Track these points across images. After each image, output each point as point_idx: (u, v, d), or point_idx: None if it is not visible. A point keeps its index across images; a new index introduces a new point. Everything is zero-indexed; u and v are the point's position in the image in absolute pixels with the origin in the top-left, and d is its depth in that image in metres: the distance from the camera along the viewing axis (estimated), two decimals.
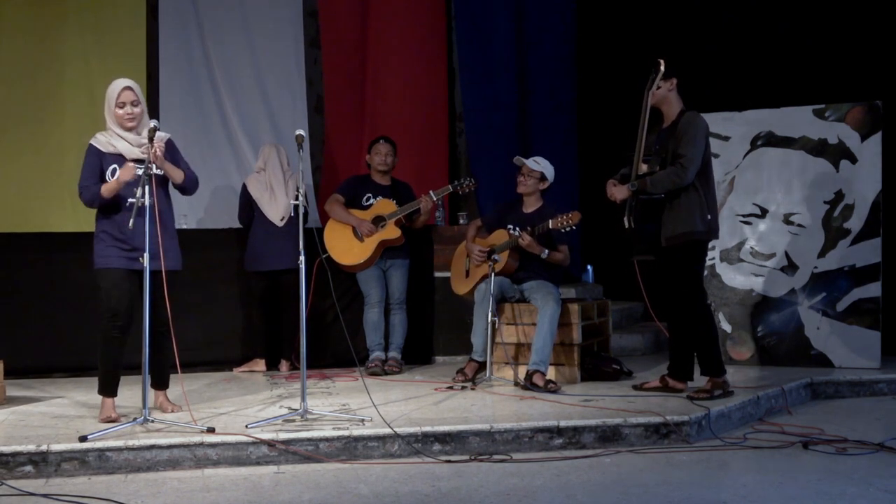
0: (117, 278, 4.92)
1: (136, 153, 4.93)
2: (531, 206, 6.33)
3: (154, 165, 4.83)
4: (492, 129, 8.17)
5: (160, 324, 4.99)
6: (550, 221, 5.96)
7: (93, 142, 5.00)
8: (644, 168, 5.55)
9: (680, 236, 5.46)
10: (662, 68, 5.47)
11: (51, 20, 7.18)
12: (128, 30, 7.34)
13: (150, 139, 4.83)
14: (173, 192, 5.17)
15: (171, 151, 5.10)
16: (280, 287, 6.85)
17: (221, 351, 6.91)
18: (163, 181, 5.03)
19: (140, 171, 4.78)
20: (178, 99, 7.64)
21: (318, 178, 8.04)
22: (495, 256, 6.15)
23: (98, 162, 4.95)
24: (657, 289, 5.81)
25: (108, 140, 4.97)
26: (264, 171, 6.91)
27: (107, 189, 4.86)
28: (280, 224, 6.79)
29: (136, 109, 4.95)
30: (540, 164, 6.28)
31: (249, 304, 6.98)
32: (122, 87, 4.94)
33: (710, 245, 5.84)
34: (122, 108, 4.92)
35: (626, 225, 5.56)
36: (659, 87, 5.50)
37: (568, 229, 5.94)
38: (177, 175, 5.00)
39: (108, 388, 5.02)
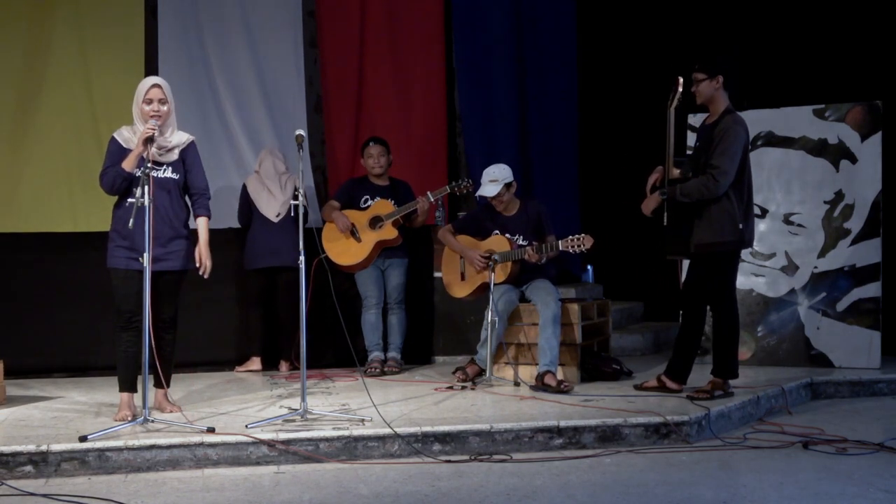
0: (124, 277, 4.96)
1: (155, 153, 4.95)
2: (510, 209, 6.31)
3: (153, 168, 4.87)
4: (490, 130, 8.16)
5: (162, 321, 5.02)
6: (561, 242, 5.92)
7: (115, 135, 5.05)
8: (676, 172, 5.55)
9: (708, 245, 5.45)
10: (681, 88, 5.51)
11: (47, 19, 7.16)
12: (126, 28, 7.32)
13: (149, 140, 4.86)
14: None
15: (190, 154, 5.16)
16: (278, 286, 6.86)
17: (221, 351, 6.92)
18: (175, 184, 5.08)
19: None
20: (177, 99, 7.60)
21: (318, 178, 8.03)
22: (495, 257, 6.15)
23: (119, 153, 4.98)
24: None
25: (132, 136, 5.01)
26: (258, 172, 6.96)
27: (127, 162, 4.91)
28: (275, 220, 6.79)
29: (164, 108, 4.99)
30: (498, 180, 6.17)
31: (249, 303, 6.99)
32: (151, 84, 5.01)
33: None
34: (148, 104, 4.97)
35: (664, 223, 5.58)
36: (700, 87, 5.54)
37: (577, 252, 5.93)
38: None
39: (123, 384, 5.06)
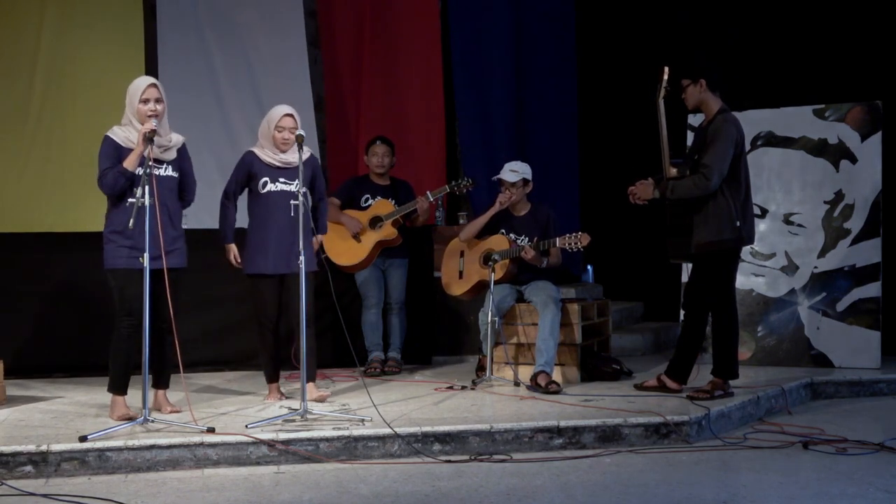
0: (130, 277, 4.92)
1: (157, 151, 4.95)
2: (521, 209, 6.32)
3: (154, 166, 4.86)
4: (489, 129, 8.16)
5: (162, 321, 5.02)
6: (558, 240, 5.93)
7: (110, 134, 4.99)
8: (673, 172, 5.58)
9: (707, 245, 5.47)
10: (666, 76, 5.54)
11: (50, 20, 7.17)
12: (125, 29, 7.33)
13: (150, 140, 4.85)
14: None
15: (185, 154, 5.18)
16: None
17: (221, 351, 6.89)
18: (176, 182, 5.09)
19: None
20: (177, 98, 7.60)
21: None
22: (495, 256, 6.16)
23: (116, 153, 4.94)
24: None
25: (127, 135, 4.98)
26: None
27: (129, 162, 4.88)
28: None
29: (159, 107, 4.98)
30: (519, 172, 6.24)
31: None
32: (149, 84, 5.00)
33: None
34: (145, 103, 4.95)
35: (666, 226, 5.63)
36: (687, 93, 5.59)
37: (574, 250, 5.94)
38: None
39: (122, 386, 5.06)
